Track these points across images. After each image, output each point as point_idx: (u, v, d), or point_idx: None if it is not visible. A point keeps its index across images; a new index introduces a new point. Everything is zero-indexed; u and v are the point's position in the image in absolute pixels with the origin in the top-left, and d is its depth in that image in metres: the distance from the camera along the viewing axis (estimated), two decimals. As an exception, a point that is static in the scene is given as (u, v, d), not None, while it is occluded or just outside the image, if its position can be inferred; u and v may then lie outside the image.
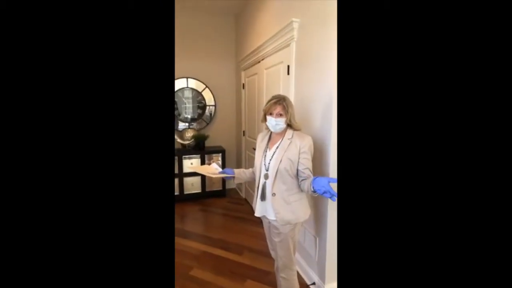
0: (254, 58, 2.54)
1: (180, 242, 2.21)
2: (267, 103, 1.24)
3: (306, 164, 1.19)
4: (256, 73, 2.57)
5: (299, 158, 1.19)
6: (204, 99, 3.35)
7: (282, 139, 1.25)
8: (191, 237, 2.30)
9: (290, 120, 1.22)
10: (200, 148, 3.16)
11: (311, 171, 1.20)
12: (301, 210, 1.25)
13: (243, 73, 3.05)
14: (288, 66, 1.81)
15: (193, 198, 3.17)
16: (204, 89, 3.33)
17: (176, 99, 3.24)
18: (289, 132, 1.24)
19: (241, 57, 3.03)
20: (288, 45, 1.81)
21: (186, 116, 3.32)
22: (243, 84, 3.05)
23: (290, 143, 1.21)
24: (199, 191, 3.18)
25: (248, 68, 2.83)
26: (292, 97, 1.77)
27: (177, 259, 1.96)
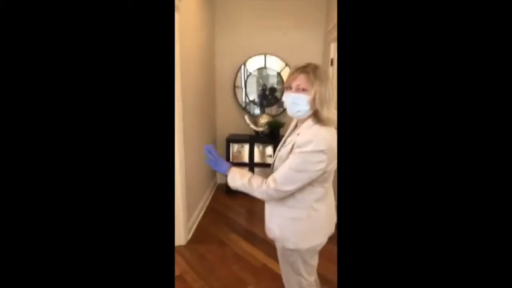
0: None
1: (243, 247, 1.89)
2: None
3: (285, 165, 0.83)
4: (352, 41, 1.91)
5: None
6: (282, 80, 2.89)
7: (293, 130, 0.94)
8: (257, 242, 1.95)
9: (317, 102, 0.81)
10: (274, 136, 2.76)
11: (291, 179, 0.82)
12: (298, 232, 0.90)
13: (332, 46, 2.41)
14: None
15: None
16: (283, 68, 2.86)
17: (252, 81, 2.91)
18: (309, 122, 0.85)
19: (332, 23, 2.39)
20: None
21: (259, 100, 2.95)
22: (331, 60, 2.42)
23: (294, 136, 0.89)
24: (271, 185, 2.82)
25: (341, 37, 2.17)
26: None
27: (234, 267, 1.66)
